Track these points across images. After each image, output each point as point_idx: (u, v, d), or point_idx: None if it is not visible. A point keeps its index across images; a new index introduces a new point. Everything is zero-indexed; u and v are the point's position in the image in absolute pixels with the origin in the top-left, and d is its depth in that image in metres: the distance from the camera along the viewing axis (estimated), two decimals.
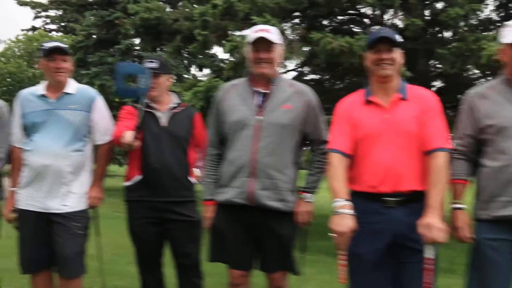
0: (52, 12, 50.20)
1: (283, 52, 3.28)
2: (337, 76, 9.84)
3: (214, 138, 3.40)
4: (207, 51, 9.44)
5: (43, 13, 50.34)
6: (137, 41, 20.13)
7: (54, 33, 41.04)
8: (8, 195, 3.63)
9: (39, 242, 3.50)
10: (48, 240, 3.50)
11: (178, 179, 3.63)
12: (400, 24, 9.19)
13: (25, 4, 44.24)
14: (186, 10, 9.68)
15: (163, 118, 3.65)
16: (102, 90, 18.18)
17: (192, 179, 3.75)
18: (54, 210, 3.47)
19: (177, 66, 19.17)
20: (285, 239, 3.18)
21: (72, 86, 3.63)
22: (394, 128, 2.88)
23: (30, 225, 3.50)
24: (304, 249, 3.42)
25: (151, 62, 3.74)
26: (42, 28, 50.01)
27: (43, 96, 3.55)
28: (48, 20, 50.72)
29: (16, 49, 39.22)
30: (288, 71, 9.61)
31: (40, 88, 3.60)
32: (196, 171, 3.85)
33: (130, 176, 3.70)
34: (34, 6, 44.02)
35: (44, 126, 3.50)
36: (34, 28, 49.62)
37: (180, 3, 9.87)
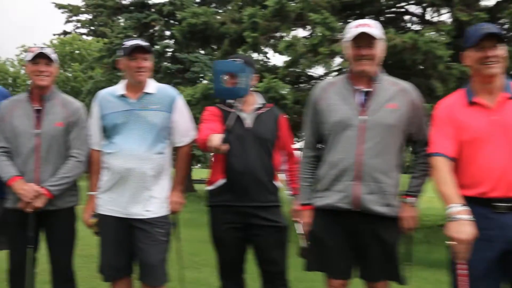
0: (82, 17, 51.28)
1: (384, 48, 3.07)
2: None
3: (311, 139, 3.22)
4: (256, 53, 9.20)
5: (74, 18, 51.43)
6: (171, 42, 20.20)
7: (84, 36, 41.60)
8: (88, 199, 3.52)
9: (120, 248, 3.38)
10: (129, 247, 3.37)
11: (263, 183, 3.46)
12: (448, 20, 8.92)
13: (63, 7, 45.04)
14: (234, 13, 9.50)
15: (248, 119, 3.47)
16: None
17: (277, 183, 3.58)
18: (136, 215, 3.34)
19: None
20: (390, 246, 3.00)
21: (152, 85, 3.49)
22: (504, 130, 2.71)
23: (111, 231, 3.38)
24: (410, 257, 3.21)
25: (234, 60, 3.59)
26: (73, 32, 50.93)
27: (123, 96, 3.43)
28: (79, 24, 51.74)
29: None
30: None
31: (119, 88, 3.47)
32: (281, 175, 3.69)
33: (213, 180, 3.54)
34: (71, 9, 44.80)
35: (125, 127, 3.37)
36: (65, 33, 50.52)
37: (227, 7, 9.66)
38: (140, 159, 3.31)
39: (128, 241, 3.37)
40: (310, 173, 3.19)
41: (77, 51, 37.50)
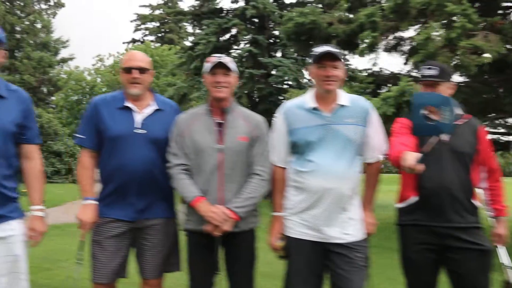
0: (150, 25, 52.63)
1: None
2: None
3: None
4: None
5: (143, 26, 52.87)
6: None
7: (152, 44, 42.54)
8: (273, 220, 3.25)
9: (312, 273, 3.09)
10: (321, 272, 3.09)
11: (459, 201, 3.18)
12: None
13: (144, 18, 46.56)
14: (340, 13, 9.14)
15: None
16: None
17: (476, 202, 3.22)
18: (334, 239, 3.04)
19: (296, 71, 18.79)
20: None
21: (345, 97, 3.19)
22: None
23: (303, 256, 3.10)
24: None
25: (430, 68, 3.25)
26: (142, 39, 52.30)
27: (314, 109, 3.13)
28: (147, 32, 53.18)
29: None
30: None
31: (308, 100, 3.18)
32: (480, 193, 3.31)
33: (404, 197, 3.31)
34: (152, 18, 46.17)
35: (321, 143, 3.08)
36: (134, 41, 52.06)
37: (334, 7, 9.33)
38: (338, 178, 3.03)
39: (321, 267, 3.09)
40: None
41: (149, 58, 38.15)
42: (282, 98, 18.32)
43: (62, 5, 45.33)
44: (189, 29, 46.32)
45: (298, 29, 9.15)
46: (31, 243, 3.08)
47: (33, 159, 3.15)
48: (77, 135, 3.43)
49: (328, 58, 3.07)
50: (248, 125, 3.28)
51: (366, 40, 7.86)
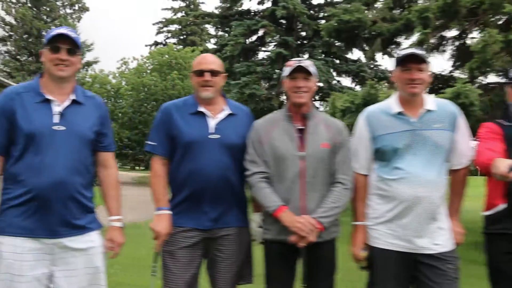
0: (172, 27, 52.92)
1: None
2: None
3: None
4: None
5: (165, 29, 53.19)
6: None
7: (174, 46, 42.66)
8: (356, 230, 3.12)
9: (398, 286, 2.97)
10: (408, 285, 2.96)
11: None
12: None
13: (172, 21, 46.96)
14: (385, 12, 8.95)
15: None
16: (252, 99, 18.10)
17: None
18: (424, 250, 2.91)
19: (326, 72, 18.60)
20: None
21: (431, 101, 3.05)
22: None
23: (391, 267, 2.97)
24: None
25: None
26: (164, 42, 52.60)
27: (400, 114, 3.00)
28: (169, 35, 53.46)
29: (148, 64, 41.02)
30: None
31: (393, 105, 3.05)
32: None
33: (491, 205, 3.13)
34: (180, 22, 46.55)
35: (409, 150, 2.95)
36: (156, 43, 52.35)
37: (370, 6, 9.16)
38: (429, 185, 2.90)
39: (409, 279, 2.96)
40: None
41: (173, 60, 38.32)
42: (314, 100, 18.12)
43: (87, 9, 45.83)
44: (211, 31, 46.62)
45: (341, 27, 8.94)
46: (110, 255, 3.00)
47: (110, 167, 3.08)
48: (148, 142, 3.33)
49: (413, 60, 2.94)
50: (329, 131, 3.15)
51: (414, 38, 7.65)
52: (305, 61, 3.17)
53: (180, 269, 3.16)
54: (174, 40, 51.72)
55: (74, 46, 2.87)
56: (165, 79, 37.37)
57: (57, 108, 2.83)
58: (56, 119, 2.80)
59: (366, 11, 9.05)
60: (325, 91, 18.40)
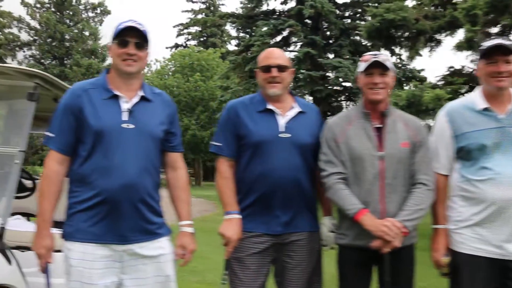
0: (192, 29, 53.11)
1: None
2: None
3: None
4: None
5: (185, 31, 53.40)
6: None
7: (195, 48, 42.83)
8: (437, 234, 2.93)
9: None
10: None
11: None
12: None
13: (197, 22, 47.21)
14: (426, 8, 8.71)
15: None
16: None
17: None
18: None
19: (355, 72, 18.36)
20: None
21: None
22: None
23: (479, 274, 2.77)
24: None
25: None
26: (184, 44, 52.79)
27: (486, 110, 2.80)
28: (189, 37, 53.66)
29: (170, 66, 41.23)
30: None
31: (478, 100, 2.85)
32: None
33: None
34: (205, 22, 46.80)
35: (497, 149, 2.75)
36: (177, 45, 52.58)
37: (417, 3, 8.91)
38: None
39: (498, 286, 2.76)
40: None
41: (196, 62, 38.44)
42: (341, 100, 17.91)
43: (109, 12, 46.16)
44: (232, 32, 46.60)
45: (383, 26, 8.70)
46: (181, 263, 2.85)
47: (179, 168, 2.93)
48: (213, 142, 3.17)
49: (499, 52, 2.75)
50: (408, 130, 2.96)
51: (468, 34, 7.36)
52: (381, 55, 2.97)
53: (250, 277, 2.99)
54: (194, 42, 51.91)
55: (142, 40, 2.73)
56: (187, 81, 37.47)
57: (125, 105, 2.68)
58: (125, 116, 2.65)
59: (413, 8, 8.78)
60: (354, 91, 18.13)
